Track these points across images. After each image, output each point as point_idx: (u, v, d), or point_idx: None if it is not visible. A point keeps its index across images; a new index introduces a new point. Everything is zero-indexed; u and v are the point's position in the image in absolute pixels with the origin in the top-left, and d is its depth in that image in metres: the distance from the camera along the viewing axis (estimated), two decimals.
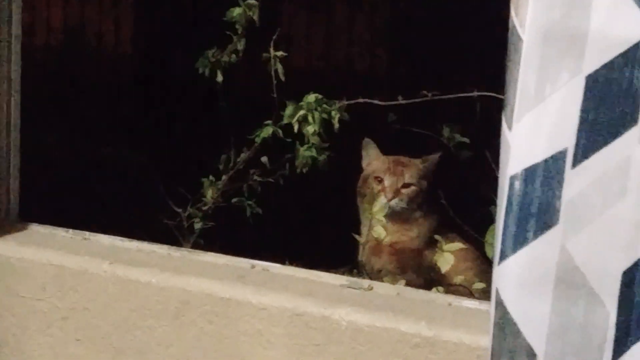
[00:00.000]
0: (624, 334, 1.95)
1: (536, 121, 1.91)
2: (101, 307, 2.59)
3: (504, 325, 1.98)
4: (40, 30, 4.58)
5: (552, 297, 1.95)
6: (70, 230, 2.78)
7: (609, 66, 1.87)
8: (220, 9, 3.10)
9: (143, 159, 3.57)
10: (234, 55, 3.15)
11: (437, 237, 2.85)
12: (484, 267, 2.83)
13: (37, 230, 2.79)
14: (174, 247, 2.77)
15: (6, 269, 2.66)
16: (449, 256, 2.78)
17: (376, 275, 2.97)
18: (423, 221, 3.06)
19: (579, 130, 1.90)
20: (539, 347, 1.97)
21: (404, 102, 3.05)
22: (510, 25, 1.93)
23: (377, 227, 2.92)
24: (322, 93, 3.04)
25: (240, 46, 3.13)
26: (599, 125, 1.89)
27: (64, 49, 4.84)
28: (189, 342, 2.52)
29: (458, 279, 2.82)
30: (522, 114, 1.92)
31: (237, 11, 3.08)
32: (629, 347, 1.96)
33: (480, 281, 2.80)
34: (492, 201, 2.84)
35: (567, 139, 1.91)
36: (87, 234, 2.77)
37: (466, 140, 3.12)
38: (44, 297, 2.63)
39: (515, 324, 1.97)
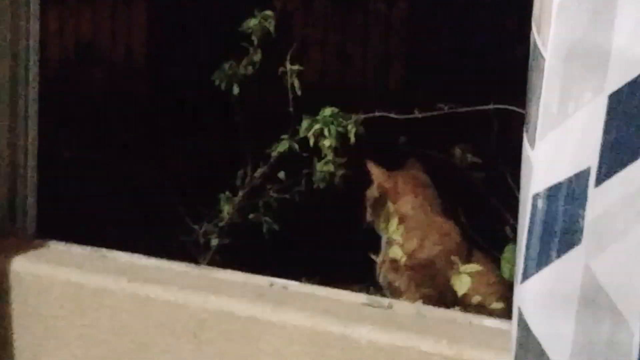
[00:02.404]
0: None
1: (559, 140, 1.91)
2: (119, 325, 2.59)
3: (527, 344, 1.98)
4: (53, 45, 4.59)
5: (575, 316, 1.95)
6: (88, 248, 2.79)
7: (632, 84, 1.88)
8: (236, 21, 3.11)
9: (158, 174, 3.57)
10: (250, 67, 3.16)
11: (453, 257, 2.84)
12: (502, 287, 2.83)
13: (54, 247, 2.80)
14: (192, 265, 2.78)
15: (24, 286, 2.66)
16: (465, 278, 2.77)
17: (393, 292, 2.97)
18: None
19: (602, 149, 1.90)
20: None
21: (420, 115, 3.05)
22: (532, 44, 1.94)
23: (394, 247, 2.92)
24: (338, 107, 3.04)
25: (257, 58, 3.14)
26: (622, 144, 1.90)
27: (77, 64, 4.85)
28: None
29: (475, 299, 2.81)
30: (545, 133, 1.92)
31: (253, 22, 3.09)
32: None
33: (498, 301, 2.79)
34: (506, 220, 2.87)
35: (590, 158, 1.91)
36: (104, 251, 2.78)
37: (478, 160, 3.13)
38: (61, 315, 2.64)
39: (538, 344, 1.97)
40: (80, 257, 2.76)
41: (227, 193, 3.24)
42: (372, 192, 3.10)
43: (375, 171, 3.10)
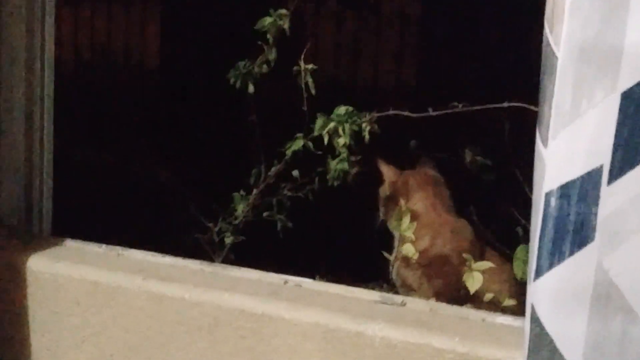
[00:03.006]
0: None
1: (572, 138, 1.91)
2: (134, 323, 2.60)
3: (541, 341, 1.98)
4: (68, 47, 4.61)
5: (588, 313, 1.95)
6: (104, 246, 2.79)
7: None
8: (251, 20, 3.12)
9: (173, 173, 3.58)
10: (265, 66, 3.16)
11: (465, 255, 2.84)
12: (514, 285, 2.82)
13: (70, 245, 2.81)
14: (206, 263, 2.78)
15: (40, 284, 2.67)
16: (478, 275, 2.77)
17: (406, 289, 2.97)
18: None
19: (615, 147, 1.90)
20: None
21: (434, 113, 3.05)
22: (544, 42, 1.93)
23: (407, 244, 2.92)
24: (352, 105, 3.05)
25: (272, 56, 3.15)
26: (634, 142, 1.89)
27: (92, 65, 4.87)
28: (222, 358, 2.53)
29: (488, 297, 2.81)
30: (558, 131, 1.92)
31: (268, 20, 3.10)
32: None
33: (510, 299, 2.79)
34: (517, 220, 2.87)
35: (603, 156, 1.91)
36: (120, 249, 2.78)
37: (488, 162, 3.13)
38: (77, 313, 2.65)
39: (551, 340, 1.98)
40: (96, 255, 2.76)
41: (241, 192, 3.24)
42: (384, 190, 3.10)
43: (386, 169, 3.11)
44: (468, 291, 2.78)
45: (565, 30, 1.88)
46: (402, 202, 3.01)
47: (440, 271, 2.95)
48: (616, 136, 1.90)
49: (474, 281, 2.76)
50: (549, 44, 1.92)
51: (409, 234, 2.93)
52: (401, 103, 3.12)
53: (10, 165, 2.82)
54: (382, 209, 3.10)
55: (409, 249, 2.92)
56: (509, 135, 3.12)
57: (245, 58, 3.17)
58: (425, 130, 3.15)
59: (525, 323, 2.01)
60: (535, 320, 1.98)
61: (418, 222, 2.96)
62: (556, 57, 1.90)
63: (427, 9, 4.67)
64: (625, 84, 1.89)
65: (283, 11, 3.10)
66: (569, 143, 1.92)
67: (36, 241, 2.80)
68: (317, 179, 3.19)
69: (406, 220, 2.96)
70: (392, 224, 3.03)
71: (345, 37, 4.73)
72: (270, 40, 3.13)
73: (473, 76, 4.02)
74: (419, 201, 3.04)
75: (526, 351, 2.01)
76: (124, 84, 4.91)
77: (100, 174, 3.96)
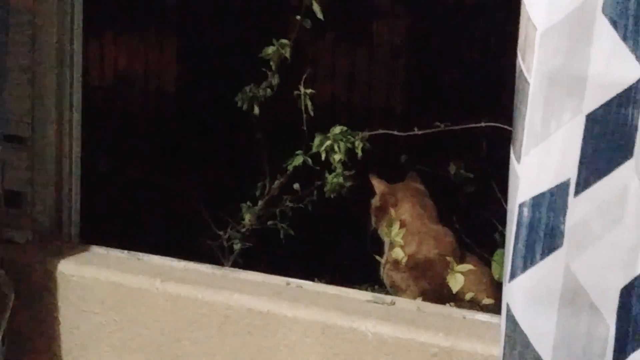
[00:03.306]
0: (623, 345, 1.95)
1: (542, 155, 1.91)
2: (153, 320, 2.60)
3: (515, 336, 1.98)
4: (95, 73, 4.61)
5: (557, 311, 1.95)
6: (126, 252, 2.78)
7: (606, 106, 1.88)
8: (256, 49, 3.12)
9: (187, 186, 3.57)
10: (269, 90, 3.16)
11: (448, 258, 2.83)
12: (492, 285, 2.82)
13: (96, 251, 2.80)
14: (217, 266, 2.77)
15: (69, 286, 2.67)
16: (459, 277, 2.76)
17: (395, 289, 2.96)
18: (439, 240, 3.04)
19: (581, 163, 1.90)
20: (546, 356, 1.97)
21: (419, 132, 3.05)
22: (517, 70, 1.93)
23: (396, 249, 2.92)
24: (346, 125, 3.05)
25: (275, 81, 3.14)
26: (598, 158, 1.89)
27: (116, 89, 4.86)
28: (231, 352, 2.52)
29: (468, 296, 2.80)
30: (530, 149, 1.92)
31: (271, 49, 3.10)
32: (626, 356, 1.95)
33: (488, 298, 2.79)
34: (495, 227, 2.87)
35: (570, 171, 1.91)
36: (140, 254, 2.77)
37: (470, 175, 3.13)
38: (103, 311, 2.64)
39: (525, 335, 1.97)
40: (119, 260, 2.75)
41: (248, 203, 3.24)
42: (376, 202, 3.10)
43: (377, 183, 3.10)
44: (451, 291, 2.78)
45: (536, 60, 1.88)
46: (392, 211, 3.01)
47: (425, 273, 2.94)
48: (582, 153, 1.90)
49: (456, 282, 2.75)
50: (521, 72, 1.92)
51: (398, 240, 2.93)
52: (390, 123, 3.12)
53: (43, 179, 2.82)
54: (373, 218, 3.10)
55: (398, 253, 2.92)
56: (486, 152, 3.12)
57: (251, 83, 3.17)
58: (411, 147, 3.15)
59: (501, 320, 2.00)
60: (510, 317, 1.98)
61: (405, 229, 2.95)
62: (528, 83, 1.90)
63: (413, 41, 4.68)
64: (590, 107, 1.89)
65: (285, 41, 3.10)
66: (539, 159, 1.92)
67: (66, 247, 2.79)
68: (315, 192, 3.19)
69: (395, 227, 2.95)
70: (382, 231, 3.02)
71: (340, 65, 4.73)
72: (273, 67, 3.13)
73: (454, 99, 4.01)
74: (406, 211, 3.03)
75: (502, 345, 2.00)
76: (144, 106, 4.91)
77: (123, 186, 3.94)
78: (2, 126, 2.50)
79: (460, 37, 4.23)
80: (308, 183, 3.19)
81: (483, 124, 2.95)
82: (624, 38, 1.85)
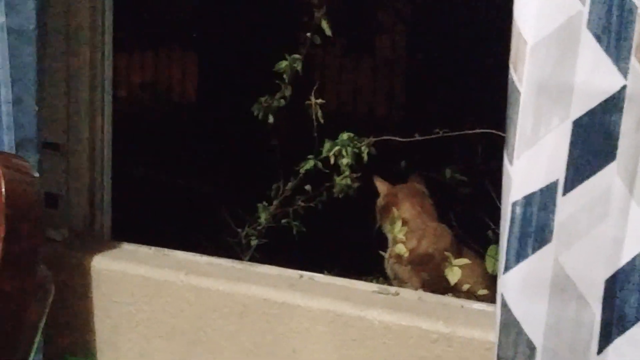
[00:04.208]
0: (607, 331, 1.94)
1: (533, 158, 1.91)
2: (178, 310, 2.60)
3: (509, 323, 1.98)
4: (124, 85, 4.62)
5: (548, 300, 1.95)
6: (153, 248, 2.78)
7: (591, 113, 1.87)
8: (270, 63, 3.12)
9: (209, 188, 3.57)
10: (282, 100, 3.15)
11: (447, 253, 2.82)
12: (486, 278, 2.81)
13: (126, 247, 2.80)
14: (236, 261, 2.77)
15: (102, 279, 2.67)
16: (457, 270, 2.75)
17: (399, 281, 2.95)
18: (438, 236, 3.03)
19: (568, 165, 1.90)
20: (537, 341, 1.97)
21: (420, 138, 3.04)
22: (509, 80, 1.93)
23: (399, 244, 2.91)
24: (353, 132, 3.04)
25: (287, 92, 3.14)
26: (584, 161, 1.89)
27: (142, 100, 4.87)
28: (249, 338, 2.52)
29: (465, 287, 2.79)
30: (521, 152, 1.92)
31: (284, 63, 3.09)
32: (611, 341, 1.95)
33: (484, 289, 2.78)
34: (488, 225, 2.86)
35: (558, 172, 1.91)
36: (166, 250, 2.77)
37: (464, 178, 3.12)
38: (132, 302, 2.64)
39: (518, 323, 1.97)
40: (147, 255, 2.75)
41: (264, 203, 3.23)
42: (380, 202, 3.09)
43: (380, 184, 3.09)
44: (449, 282, 2.77)
45: (527, 71, 1.88)
46: (394, 210, 3.00)
47: (425, 267, 2.94)
48: (569, 156, 1.90)
49: (453, 275, 2.75)
50: (513, 81, 1.92)
51: (400, 236, 2.92)
52: (393, 130, 3.11)
53: (77, 181, 2.82)
54: (378, 216, 3.09)
55: (400, 249, 2.91)
56: (481, 156, 3.11)
57: (266, 94, 3.17)
58: (413, 151, 3.14)
59: (496, 309, 2.00)
60: (504, 306, 1.97)
61: (407, 227, 2.95)
62: (519, 92, 1.90)
63: (414, 53, 4.68)
64: (576, 113, 1.89)
65: (297, 56, 3.10)
66: (530, 162, 1.92)
67: (98, 244, 2.79)
68: (325, 193, 3.18)
69: (398, 224, 2.95)
70: (387, 229, 3.02)
71: (347, 76, 4.73)
72: (286, 80, 3.12)
73: (452, 108, 4.00)
74: (407, 210, 3.02)
75: (497, 331, 2.00)
76: (169, 115, 4.92)
77: (151, 188, 3.94)
78: (41, 134, 2.50)
79: (457, 50, 4.23)
80: (318, 185, 3.18)
81: (479, 131, 2.93)
82: (607, 51, 1.85)
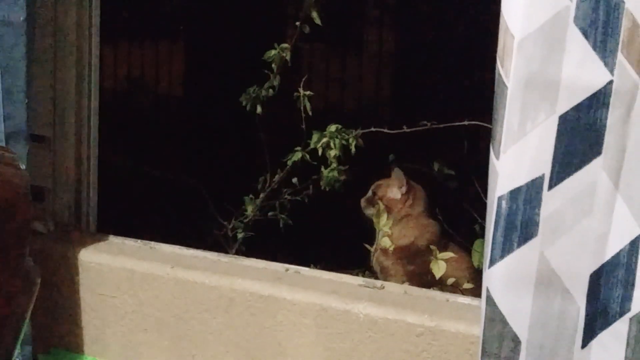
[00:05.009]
0: (592, 325, 1.96)
1: (519, 152, 1.92)
2: (164, 303, 2.60)
3: (494, 317, 1.99)
4: (110, 77, 4.60)
5: (533, 294, 1.96)
6: (139, 241, 2.79)
7: (578, 108, 1.89)
8: (258, 52, 3.12)
9: (195, 181, 3.57)
10: (271, 90, 3.15)
11: (432, 247, 2.82)
12: (472, 272, 2.82)
13: (112, 240, 2.80)
14: (222, 254, 2.77)
15: (88, 272, 2.67)
16: (442, 264, 2.75)
17: (384, 274, 2.96)
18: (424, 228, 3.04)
19: (554, 160, 1.91)
20: (522, 335, 1.98)
21: (407, 130, 3.03)
22: (496, 75, 1.94)
23: (385, 238, 2.92)
24: (341, 124, 3.04)
25: (276, 82, 3.14)
26: (570, 155, 1.91)
27: (129, 92, 4.86)
28: (236, 331, 2.53)
29: (450, 281, 2.81)
30: (508, 147, 1.93)
31: (273, 52, 3.10)
32: (595, 335, 1.97)
33: (469, 283, 2.79)
34: (475, 219, 2.87)
35: (544, 167, 1.92)
36: (152, 243, 2.77)
37: (452, 172, 3.13)
38: (118, 295, 2.65)
39: (503, 316, 1.98)
40: (133, 248, 2.75)
41: (250, 195, 3.24)
42: (396, 194, 3.06)
43: (399, 177, 3.03)
44: (434, 276, 2.78)
45: (514, 65, 1.89)
46: (380, 203, 2.99)
47: (410, 256, 2.94)
48: (555, 151, 1.91)
49: (439, 268, 2.75)
50: (500, 76, 1.93)
51: (386, 230, 2.93)
52: (382, 122, 3.11)
53: (64, 175, 2.82)
54: (366, 208, 3.07)
55: (386, 242, 2.92)
56: (467, 151, 3.12)
57: (254, 85, 3.17)
58: (401, 144, 3.14)
59: (481, 302, 2.01)
60: (490, 300, 1.99)
61: (393, 220, 2.95)
62: (506, 87, 1.91)
63: (401, 46, 4.69)
64: (562, 108, 1.90)
65: (285, 45, 3.10)
66: (516, 156, 1.93)
67: (84, 237, 2.80)
68: (312, 186, 3.19)
69: (384, 218, 2.95)
70: (374, 222, 3.02)
71: (335, 68, 4.73)
72: (275, 69, 3.12)
73: (439, 100, 4.01)
74: (394, 204, 3.02)
75: (483, 325, 2.02)
76: (155, 107, 4.90)
77: (137, 181, 3.94)
78: (29, 127, 2.50)
79: (444, 44, 4.24)
80: (306, 177, 3.18)
81: (466, 123, 2.94)
82: (594, 46, 1.86)
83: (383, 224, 2.94)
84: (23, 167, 1.43)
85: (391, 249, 2.91)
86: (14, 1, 2.37)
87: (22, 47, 2.41)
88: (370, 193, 3.06)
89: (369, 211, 3.03)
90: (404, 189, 3.00)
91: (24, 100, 2.45)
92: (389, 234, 2.92)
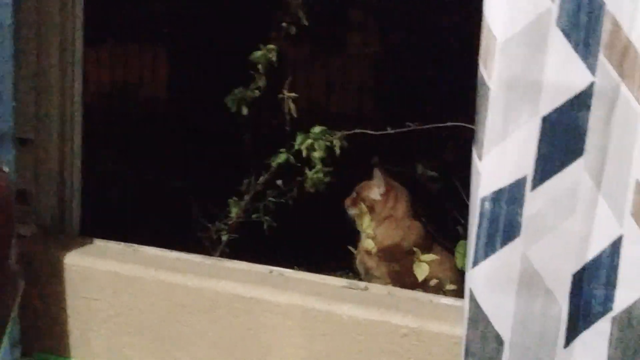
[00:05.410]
0: (574, 324, 1.97)
1: (502, 153, 1.93)
2: (148, 305, 2.60)
3: (477, 317, 2.00)
4: (93, 81, 4.59)
5: (516, 294, 1.97)
6: (122, 243, 2.78)
7: (560, 109, 1.90)
8: (245, 53, 3.12)
9: (179, 183, 3.57)
10: (256, 91, 3.16)
11: (415, 249, 2.83)
12: (454, 273, 2.82)
13: (95, 243, 2.79)
14: (206, 256, 2.77)
15: (71, 275, 2.66)
16: (424, 266, 2.76)
17: (368, 275, 2.97)
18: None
19: (536, 161, 1.93)
20: (505, 335, 1.99)
21: (392, 131, 3.04)
22: (479, 76, 1.95)
23: (367, 240, 2.93)
24: (326, 125, 3.05)
25: (262, 83, 3.14)
26: (552, 156, 1.92)
27: (112, 95, 4.85)
28: (219, 333, 2.53)
29: (433, 282, 2.82)
30: (490, 148, 1.94)
31: (259, 53, 3.10)
32: (577, 335, 1.98)
33: (451, 284, 2.80)
34: (457, 220, 2.88)
35: (527, 168, 1.93)
36: (135, 246, 2.77)
37: (435, 174, 3.14)
38: (101, 298, 2.64)
39: (486, 316, 1.99)
40: (117, 251, 2.75)
41: (234, 198, 3.24)
42: (375, 194, 3.07)
43: (380, 178, 3.04)
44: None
45: (496, 67, 1.90)
46: (362, 205, 3.00)
47: (393, 255, 2.94)
48: (537, 152, 1.93)
49: (421, 271, 2.76)
50: (482, 78, 1.94)
51: (369, 231, 2.94)
52: (366, 124, 3.12)
53: (47, 177, 2.81)
54: (350, 210, 3.08)
55: (369, 243, 2.93)
56: (451, 152, 3.13)
57: (238, 86, 3.17)
58: (385, 145, 3.14)
59: (464, 303, 2.03)
60: (473, 300, 2.00)
61: (375, 222, 2.96)
62: (489, 88, 1.92)
63: (384, 49, 4.70)
64: (545, 110, 1.91)
65: (271, 46, 3.11)
66: (499, 157, 1.94)
67: (68, 240, 2.79)
68: (295, 189, 3.19)
69: (367, 219, 2.96)
70: (357, 224, 3.03)
71: (319, 71, 4.74)
72: (261, 70, 3.13)
73: (425, 103, 4.02)
74: (400, 207, 3.02)
75: (466, 325, 2.03)
76: (139, 108, 4.89)
77: (121, 184, 3.93)
78: (12, 129, 2.50)
79: (427, 46, 4.25)
80: (290, 180, 3.19)
81: (449, 124, 2.94)
82: (576, 48, 1.87)
83: (366, 225, 2.95)
84: (6, 169, 1.43)
85: (374, 250, 2.92)
86: (1, 4, 2.37)
87: (9, 49, 2.41)
88: (353, 194, 3.07)
89: (353, 212, 3.04)
90: (382, 190, 3.01)
91: (12, 103, 2.45)
92: (372, 235, 2.93)
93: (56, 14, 2.72)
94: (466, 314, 2.02)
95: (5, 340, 2.43)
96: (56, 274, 2.67)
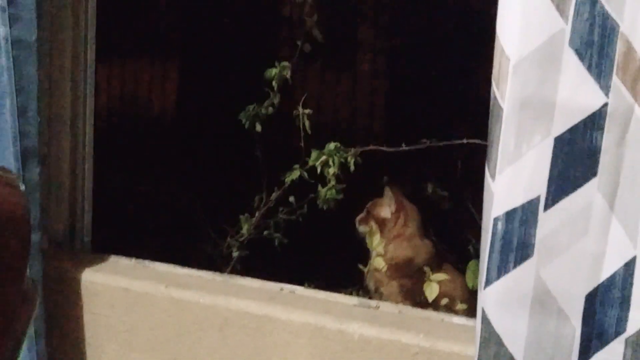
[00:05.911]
0: (587, 346, 1.97)
1: (515, 174, 1.93)
2: (158, 322, 2.60)
3: (490, 337, 2.00)
4: (105, 94, 4.62)
5: (529, 315, 1.97)
6: (133, 259, 2.79)
7: (573, 130, 1.90)
8: (259, 70, 3.13)
9: (191, 199, 3.58)
10: (270, 108, 3.17)
11: (425, 268, 2.83)
12: (465, 292, 2.82)
13: (106, 259, 2.79)
14: (217, 273, 2.77)
15: (82, 291, 2.67)
16: (435, 286, 2.76)
17: (378, 293, 2.97)
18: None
19: (550, 181, 1.92)
20: (518, 356, 1.98)
21: (406, 148, 3.04)
22: (492, 97, 1.95)
23: (377, 258, 2.94)
24: (340, 142, 3.06)
25: (276, 100, 3.15)
26: (565, 177, 1.92)
27: (123, 111, 4.87)
28: (230, 351, 2.53)
29: (444, 302, 2.81)
30: (504, 168, 1.94)
31: (274, 71, 3.11)
32: (591, 356, 1.97)
33: (462, 303, 2.79)
34: (469, 240, 2.88)
35: (540, 188, 1.93)
36: (146, 262, 2.78)
37: (445, 194, 3.14)
38: (112, 314, 2.65)
39: (499, 337, 1.99)
40: (127, 267, 2.76)
41: (246, 214, 3.25)
42: (386, 211, 3.08)
43: (391, 195, 3.05)
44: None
45: (509, 87, 1.91)
46: (373, 224, 3.01)
47: (403, 271, 2.94)
48: (550, 172, 1.92)
49: (432, 291, 2.76)
50: (495, 98, 1.94)
51: (380, 250, 2.95)
52: (380, 141, 3.12)
53: (58, 194, 2.82)
54: (361, 229, 3.09)
55: (379, 262, 2.93)
56: (462, 171, 3.14)
57: (249, 104, 3.18)
58: (399, 162, 3.15)
59: (476, 323, 2.02)
60: (485, 320, 2.00)
61: (386, 241, 2.96)
62: (502, 109, 1.92)
63: (396, 66, 4.72)
64: (558, 130, 1.91)
65: (286, 63, 3.12)
66: (512, 178, 1.94)
67: (79, 256, 2.79)
68: (307, 204, 3.20)
69: (377, 238, 2.97)
70: (368, 243, 3.04)
71: (334, 88, 4.76)
72: (275, 87, 3.14)
73: (439, 120, 4.03)
74: (412, 226, 3.03)
75: (478, 345, 2.02)
76: (152, 124, 4.92)
77: (133, 200, 3.94)
78: (37, 146, 2.52)
79: (438, 63, 4.27)
80: (302, 196, 3.19)
81: (465, 141, 2.94)
82: (589, 68, 1.88)
83: (376, 243, 2.96)
84: (22, 187, 1.45)
85: (383, 269, 2.92)
86: (26, 20, 2.40)
87: (34, 66, 2.44)
88: (365, 212, 3.08)
89: (363, 230, 3.05)
90: (392, 208, 3.01)
91: (37, 119, 2.47)
92: (382, 253, 2.94)
93: (68, 30, 2.74)
94: (478, 334, 2.01)
95: (27, 355, 2.45)
96: (66, 289, 2.67)
